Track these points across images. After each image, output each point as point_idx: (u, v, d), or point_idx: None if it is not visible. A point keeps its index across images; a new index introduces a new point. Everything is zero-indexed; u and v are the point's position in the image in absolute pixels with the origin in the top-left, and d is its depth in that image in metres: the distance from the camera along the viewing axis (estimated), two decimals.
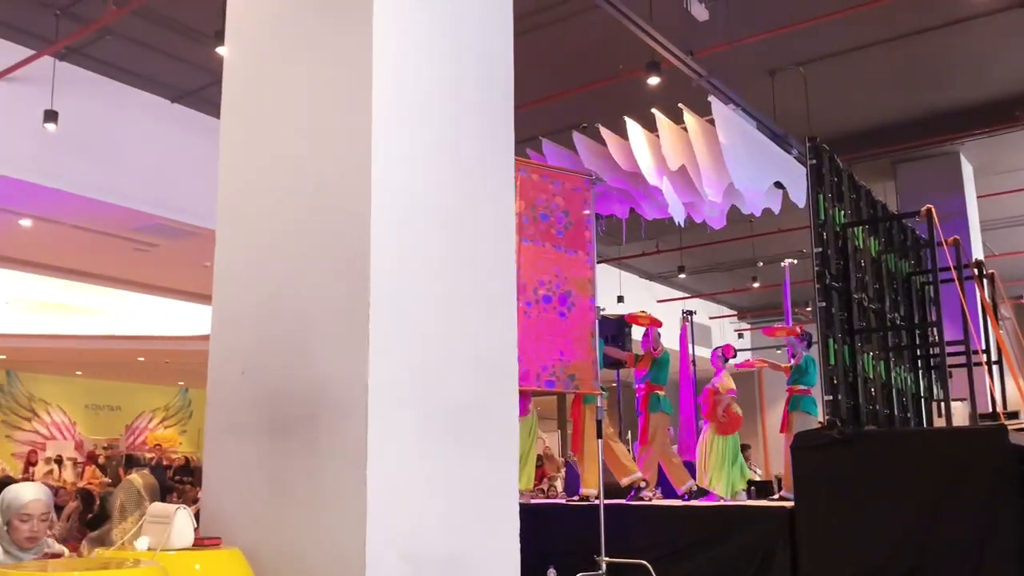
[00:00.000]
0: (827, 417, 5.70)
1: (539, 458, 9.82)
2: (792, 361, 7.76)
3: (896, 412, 6.64)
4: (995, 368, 7.48)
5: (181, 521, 2.91)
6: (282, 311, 3.31)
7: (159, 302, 15.15)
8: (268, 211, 3.46)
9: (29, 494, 3.16)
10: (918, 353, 7.45)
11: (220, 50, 6.26)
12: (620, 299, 13.56)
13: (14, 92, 8.07)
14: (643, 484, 7.59)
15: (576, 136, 7.92)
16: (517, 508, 3.54)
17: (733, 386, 7.99)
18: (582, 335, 6.72)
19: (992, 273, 7.87)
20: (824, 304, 5.84)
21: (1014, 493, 4.95)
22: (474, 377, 3.43)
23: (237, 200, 3.61)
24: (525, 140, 7.56)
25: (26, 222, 9.70)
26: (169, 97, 9.35)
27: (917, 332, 7.54)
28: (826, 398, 5.72)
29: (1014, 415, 7.55)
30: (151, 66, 8.75)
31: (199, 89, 9.03)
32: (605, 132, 7.66)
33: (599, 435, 6.90)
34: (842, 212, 6.37)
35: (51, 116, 7.91)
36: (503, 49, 3.83)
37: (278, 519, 3.13)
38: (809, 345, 7.55)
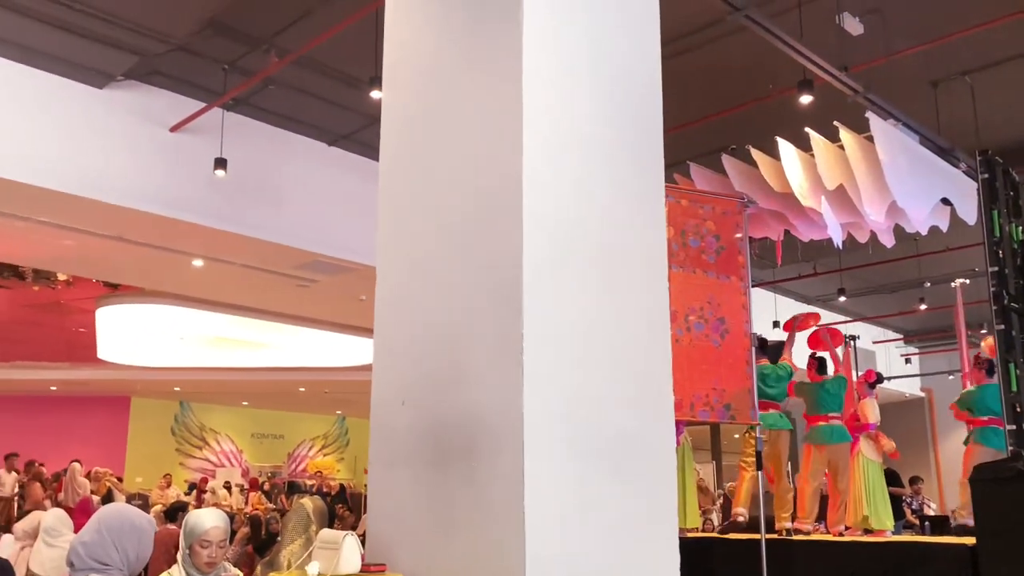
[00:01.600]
0: (1011, 448, 5.30)
1: None
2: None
3: None
4: None
5: (349, 547, 3.01)
6: (439, 343, 3.38)
7: (318, 335, 15.84)
8: (424, 246, 3.55)
9: (210, 521, 3.31)
10: None
11: (375, 94, 6.53)
12: (776, 324, 13.12)
13: (188, 142, 8.68)
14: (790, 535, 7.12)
15: (725, 158, 7.76)
16: (677, 541, 3.46)
17: (877, 416, 7.56)
18: (737, 363, 6.54)
19: None
20: (1003, 327, 5.45)
21: None
22: (629, 407, 3.38)
23: (395, 237, 3.72)
24: (672, 164, 7.43)
25: (198, 262, 10.35)
26: (327, 141, 9.79)
27: None
28: (1009, 427, 5.32)
29: None
30: (310, 112, 9.21)
31: (354, 132, 9.41)
32: (756, 153, 7.47)
33: (759, 467, 6.68)
34: (1019, 228, 5.96)
35: (220, 163, 8.44)
36: (651, 74, 3.81)
37: (440, 547, 3.17)
38: (991, 372, 7.05)
